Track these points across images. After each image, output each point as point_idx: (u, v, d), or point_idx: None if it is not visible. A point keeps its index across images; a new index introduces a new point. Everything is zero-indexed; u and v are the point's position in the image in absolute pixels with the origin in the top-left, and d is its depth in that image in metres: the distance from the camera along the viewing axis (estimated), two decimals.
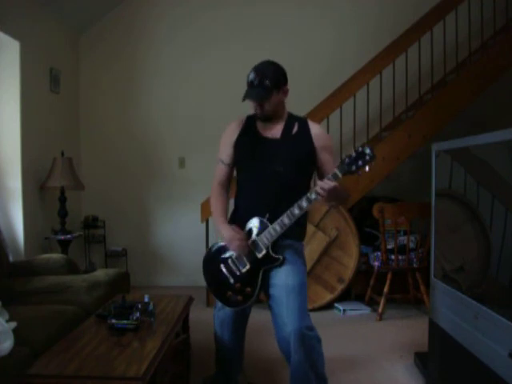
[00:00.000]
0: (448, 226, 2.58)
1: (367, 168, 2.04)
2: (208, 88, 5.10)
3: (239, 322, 2.45)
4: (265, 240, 2.21)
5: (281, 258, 2.22)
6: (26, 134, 4.01)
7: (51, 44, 4.61)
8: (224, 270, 2.31)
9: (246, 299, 2.27)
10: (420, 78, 4.44)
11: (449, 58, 4.49)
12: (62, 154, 4.37)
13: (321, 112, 4.35)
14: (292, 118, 2.33)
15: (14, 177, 3.96)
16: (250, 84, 2.19)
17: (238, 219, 2.34)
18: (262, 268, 2.24)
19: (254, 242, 2.23)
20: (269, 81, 2.17)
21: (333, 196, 2.07)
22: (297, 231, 2.29)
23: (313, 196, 2.10)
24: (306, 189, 2.27)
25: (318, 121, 4.30)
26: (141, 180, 5.23)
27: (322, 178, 2.29)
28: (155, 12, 5.17)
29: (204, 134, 5.02)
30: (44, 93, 4.46)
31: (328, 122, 4.35)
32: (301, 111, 4.24)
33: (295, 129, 2.29)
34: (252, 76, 2.19)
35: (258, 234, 2.23)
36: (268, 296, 2.28)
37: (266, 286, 2.27)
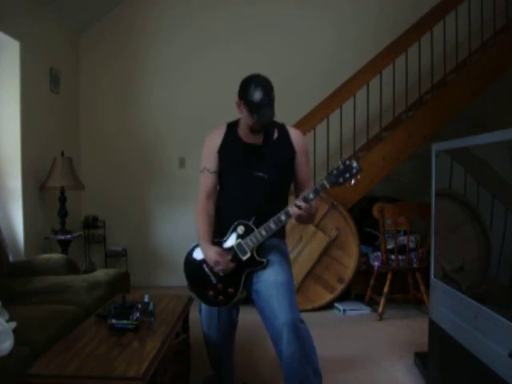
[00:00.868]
0: (448, 226, 2.58)
1: (353, 181, 2.13)
2: (208, 88, 5.10)
3: (226, 324, 2.45)
4: (250, 243, 2.24)
5: (265, 261, 2.25)
6: (25, 134, 4.01)
7: (51, 44, 4.61)
8: (206, 269, 2.32)
9: (228, 300, 2.30)
10: (420, 78, 4.44)
11: (449, 58, 4.49)
12: (62, 154, 4.37)
13: (321, 112, 4.35)
14: (272, 124, 2.34)
15: (14, 177, 3.96)
16: (260, 104, 2.16)
17: (222, 223, 2.36)
18: (246, 270, 2.27)
19: (239, 244, 2.25)
20: (273, 95, 2.20)
21: (308, 218, 2.15)
22: (281, 230, 2.35)
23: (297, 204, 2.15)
24: (288, 191, 2.38)
25: (318, 121, 4.32)
26: (141, 180, 5.23)
27: (295, 180, 2.38)
28: (155, 12, 5.17)
29: (204, 134, 4.91)
30: (44, 93, 4.46)
31: (328, 122, 4.35)
32: (301, 111, 4.29)
33: (275, 135, 2.35)
34: (260, 95, 2.16)
35: (242, 237, 2.25)
36: (252, 293, 2.29)
37: (250, 284, 2.29)
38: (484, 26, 4.52)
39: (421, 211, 3.80)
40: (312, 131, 4.35)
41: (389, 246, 4.01)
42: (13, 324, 2.18)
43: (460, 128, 3.96)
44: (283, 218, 2.19)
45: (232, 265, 2.24)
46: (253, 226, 2.24)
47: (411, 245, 4.01)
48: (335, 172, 2.11)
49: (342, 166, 2.11)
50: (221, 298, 2.29)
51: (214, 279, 2.30)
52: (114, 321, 2.16)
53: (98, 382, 1.73)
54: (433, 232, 2.69)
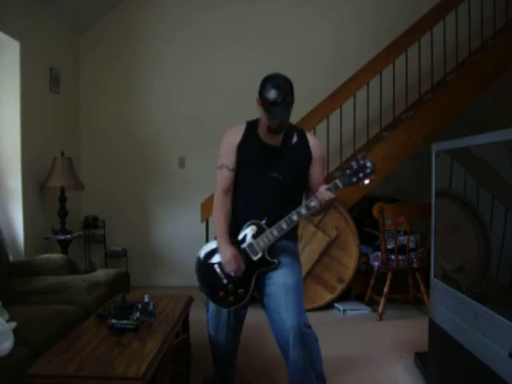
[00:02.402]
0: (448, 226, 2.58)
1: (367, 181, 2.09)
2: (208, 88, 5.10)
3: (234, 325, 2.45)
4: (261, 243, 2.23)
5: (276, 262, 2.25)
6: (25, 134, 4.01)
7: (51, 44, 4.61)
8: (218, 270, 2.31)
9: (238, 300, 2.29)
10: (420, 78, 4.44)
11: (449, 58, 4.49)
12: (62, 154, 4.37)
13: (321, 112, 4.35)
14: (291, 128, 2.34)
15: (14, 177, 3.96)
16: (274, 103, 2.15)
17: (235, 222, 2.34)
18: (257, 271, 2.26)
19: (251, 245, 2.24)
20: (290, 97, 2.17)
21: (328, 206, 2.16)
22: (292, 232, 2.33)
23: (312, 204, 2.16)
24: (300, 196, 2.35)
25: (318, 121, 4.32)
26: (141, 180, 5.23)
27: (308, 188, 2.36)
28: (155, 12, 5.17)
29: (204, 134, 5.02)
30: (44, 93, 4.46)
31: (328, 122, 4.35)
32: (301, 111, 4.29)
33: (294, 139, 2.33)
34: (275, 95, 2.14)
35: (254, 237, 2.24)
36: (263, 295, 2.29)
37: (261, 285, 2.29)
38: (484, 26, 4.52)
39: (421, 211, 3.80)
40: (312, 131, 4.35)
41: (389, 246, 4.01)
42: (13, 324, 2.18)
43: (460, 128, 3.96)
44: (295, 217, 2.18)
45: (241, 270, 2.23)
46: (264, 226, 2.23)
47: (411, 245, 4.01)
48: (348, 172, 2.08)
49: (355, 166, 2.08)
50: (231, 298, 2.29)
51: (224, 280, 2.29)
52: (114, 321, 2.16)
53: (97, 382, 1.72)
54: (433, 232, 2.69)
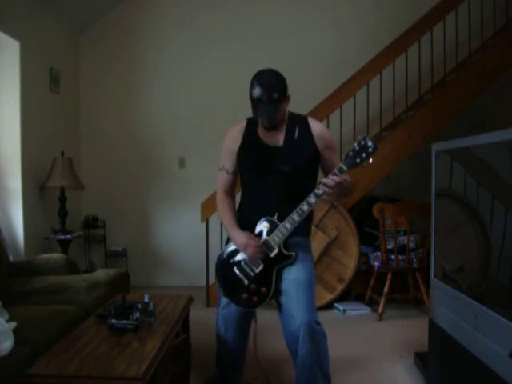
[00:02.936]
0: (448, 226, 2.58)
1: (371, 160, 2.10)
2: (208, 88, 5.10)
3: (244, 321, 2.44)
4: (276, 239, 2.23)
5: (293, 254, 2.25)
6: (25, 134, 4.01)
7: (51, 44, 4.61)
8: (237, 272, 2.30)
9: (262, 299, 2.29)
10: (420, 78, 4.44)
11: (449, 58, 4.50)
12: (62, 153, 4.37)
13: (321, 112, 4.35)
14: (292, 121, 2.31)
15: (14, 177, 3.96)
16: (259, 100, 2.15)
17: (244, 222, 2.33)
18: (276, 267, 2.26)
19: (266, 241, 2.24)
20: (277, 93, 2.15)
21: (338, 190, 2.12)
22: (304, 227, 2.32)
23: (320, 191, 2.14)
24: (311, 188, 2.29)
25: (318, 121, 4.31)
26: (141, 180, 5.23)
27: (327, 174, 2.31)
28: (155, 12, 5.17)
29: (204, 134, 5.03)
30: (44, 93, 4.46)
31: (328, 122, 4.35)
32: (301, 111, 4.27)
33: (296, 133, 2.29)
34: (259, 92, 2.14)
35: (268, 234, 2.24)
36: (278, 291, 2.29)
37: (276, 282, 2.28)
38: (484, 26, 4.52)
39: (421, 211, 3.80)
40: None
41: (389, 246, 4.01)
42: (13, 324, 2.18)
43: (460, 128, 3.96)
44: (305, 208, 2.17)
45: (261, 251, 2.22)
46: (277, 222, 2.23)
47: (411, 245, 4.01)
48: (351, 154, 2.09)
49: (357, 147, 2.08)
50: (255, 298, 2.28)
51: (246, 281, 2.28)
52: (114, 321, 2.16)
53: (97, 382, 1.72)
54: (433, 232, 2.69)
